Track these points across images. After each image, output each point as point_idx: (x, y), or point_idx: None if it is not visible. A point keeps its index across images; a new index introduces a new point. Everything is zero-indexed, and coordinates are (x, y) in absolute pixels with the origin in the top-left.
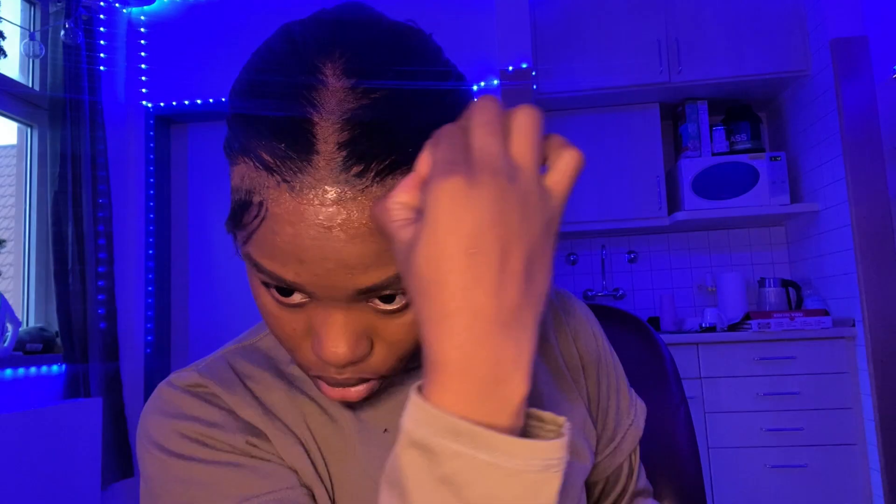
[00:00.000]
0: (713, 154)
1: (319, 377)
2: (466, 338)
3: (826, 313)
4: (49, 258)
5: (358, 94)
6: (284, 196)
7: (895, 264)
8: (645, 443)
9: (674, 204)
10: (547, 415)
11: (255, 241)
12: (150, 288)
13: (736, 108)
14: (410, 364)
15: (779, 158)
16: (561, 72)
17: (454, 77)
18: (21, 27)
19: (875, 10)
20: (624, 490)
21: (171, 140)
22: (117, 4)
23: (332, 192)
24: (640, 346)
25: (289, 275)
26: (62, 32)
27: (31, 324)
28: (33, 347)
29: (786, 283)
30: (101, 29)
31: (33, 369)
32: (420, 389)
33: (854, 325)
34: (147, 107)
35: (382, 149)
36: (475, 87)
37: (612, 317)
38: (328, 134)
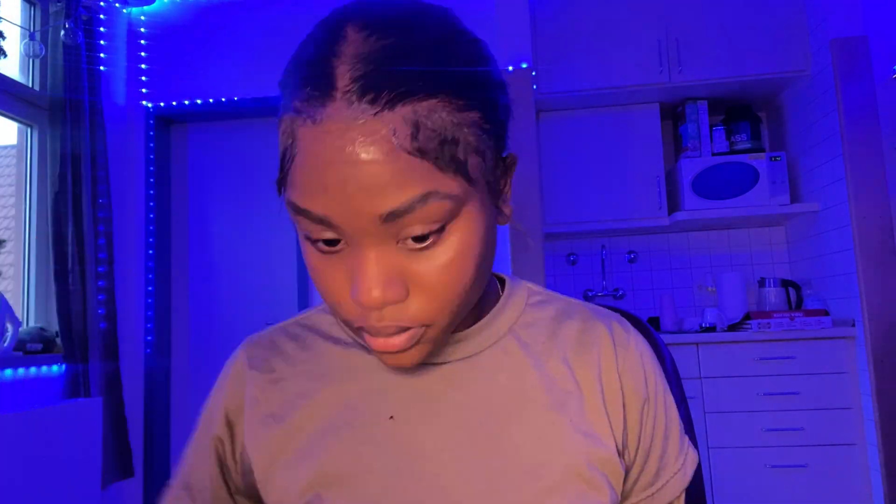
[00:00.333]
0: (713, 154)
1: (362, 328)
2: None
3: (826, 313)
4: (49, 258)
5: (371, 42)
6: (309, 130)
7: (895, 264)
8: None
9: (674, 204)
10: None
11: (291, 184)
12: (150, 288)
13: (736, 108)
14: (456, 327)
15: (779, 158)
16: (561, 72)
17: (464, 34)
18: (21, 27)
19: (875, 10)
20: None
21: (171, 140)
22: (117, 4)
23: (347, 119)
24: None
25: (317, 207)
26: (62, 32)
27: (31, 324)
28: (33, 347)
29: (786, 283)
30: (101, 29)
31: (33, 369)
32: None
33: (854, 325)
34: (147, 107)
35: (392, 80)
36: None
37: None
38: (344, 72)
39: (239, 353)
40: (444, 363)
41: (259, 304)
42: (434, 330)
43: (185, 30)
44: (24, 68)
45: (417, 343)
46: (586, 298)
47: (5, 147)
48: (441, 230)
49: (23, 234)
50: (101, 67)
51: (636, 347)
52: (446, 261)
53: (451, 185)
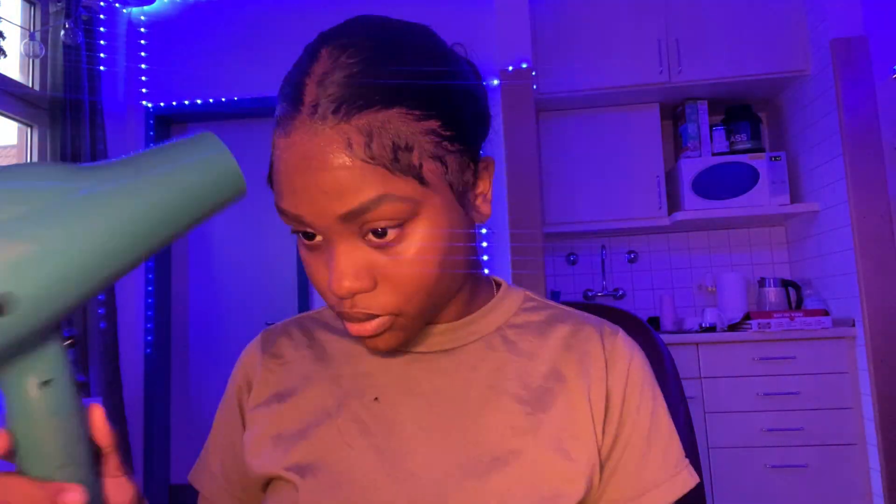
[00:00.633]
0: (713, 154)
1: (342, 314)
2: None
3: (826, 313)
4: None
5: (340, 62)
6: (282, 141)
7: (895, 264)
8: None
9: (674, 204)
10: None
11: (275, 188)
12: (150, 288)
13: (736, 108)
14: (443, 320)
15: (779, 158)
16: (561, 72)
17: (436, 50)
18: (21, 27)
19: (875, 10)
20: None
21: (171, 140)
22: (117, 4)
23: (310, 131)
24: (640, 346)
25: (290, 206)
26: (62, 32)
27: None
28: None
29: (786, 283)
30: (101, 29)
31: None
32: None
33: (854, 325)
34: (147, 107)
35: (350, 95)
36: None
37: (611, 317)
38: (312, 90)
39: (256, 339)
40: (429, 352)
41: (259, 304)
42: (404, 319)
43: (185, 30)
44: (24, 68)
45: (390, 329)
46: (586, 298)
47: (5, 147)
48: (401, 227)
49: None
50: (101, 67)
51: (625, 350)
52: (409, 256)
53: (404, 188)
